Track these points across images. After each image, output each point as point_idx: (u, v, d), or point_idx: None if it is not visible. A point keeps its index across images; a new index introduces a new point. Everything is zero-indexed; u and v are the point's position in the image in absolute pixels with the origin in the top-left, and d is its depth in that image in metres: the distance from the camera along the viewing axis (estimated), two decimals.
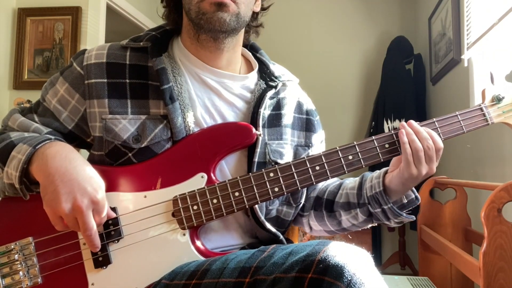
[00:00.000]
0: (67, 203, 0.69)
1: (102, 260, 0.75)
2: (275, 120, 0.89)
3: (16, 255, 0.75)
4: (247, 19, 0.85)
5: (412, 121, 0.81)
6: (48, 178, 0.71)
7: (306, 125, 0.96)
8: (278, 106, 0.91)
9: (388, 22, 3.29)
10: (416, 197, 0.87)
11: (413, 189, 0.86)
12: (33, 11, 2.58)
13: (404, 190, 0.83)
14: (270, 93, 0.88)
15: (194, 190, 0.77)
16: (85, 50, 0.86)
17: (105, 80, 0.81)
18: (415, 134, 0.79)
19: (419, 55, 3.00)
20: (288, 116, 0.92)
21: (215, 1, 0.78)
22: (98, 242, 0.72)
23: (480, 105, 0.86)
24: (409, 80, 2.92)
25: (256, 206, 0.82)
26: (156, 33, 0.87)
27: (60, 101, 0.84)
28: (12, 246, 0.76)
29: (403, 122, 0.81)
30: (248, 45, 0.97)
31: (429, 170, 0.79)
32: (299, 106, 0.96)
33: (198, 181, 0.78)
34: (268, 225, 0.84)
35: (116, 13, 2.89)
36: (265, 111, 0.88)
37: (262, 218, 0.83)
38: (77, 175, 0.72)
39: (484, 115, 0.85)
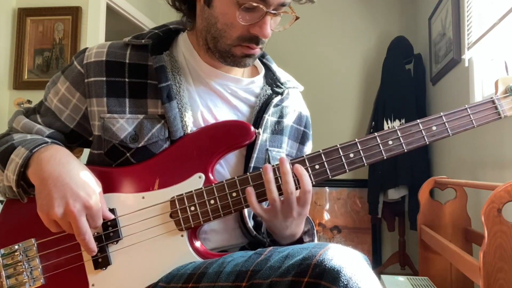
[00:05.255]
0: (59, 207, 0.69)
1: (101, 262, 0.75)
2: (277, 127, 0.89)
3: (20, 256, 0.76)
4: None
5: (268, 167, 0.75)
6: (42, 183, 0.71)
7: (301, 138, 0.96)
8: (281, 114, 0.90)
9: (388, 22, 3.29)
10: (312, 226, 0.87)
11: (307, 218, 0.86)
12: (33, 11, 2.58)
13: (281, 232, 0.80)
14: (276, 99, 0.88)
15: (191, 191, 0.77)
16: (86, 48, 0.86)
17: (104, 79, 0.81)
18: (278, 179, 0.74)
19: (419, 55, 3.00)
20: (288, 125, 0.92)
21: (247, 53, 0.80)
22: (93, 246, 0.72)
23: (492, 97, 0.80)
24: (409, 80, 2.91)
25: (245, 213, 0.82)
26: (159, 31, 0.86)
27: (61, 100, 0.84)
28: (16, 247, 0.76)
29: (267, 166, 0.75)
30: None
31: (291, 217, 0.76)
32: (299, 117, 0.96)
33: (196, 182, 0.78)
34: (254, 232, 0.84)
35: (116, 13, 2.89)
36: (270, 117, 0.87)
37: (249, 225, 0.83)
38: (70, 179, 0.71)
39: (496, 107, 0.80)
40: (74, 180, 0.71)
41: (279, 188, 0.74)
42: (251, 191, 0.74)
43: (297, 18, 0.80)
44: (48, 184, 0.70)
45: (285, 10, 0.78)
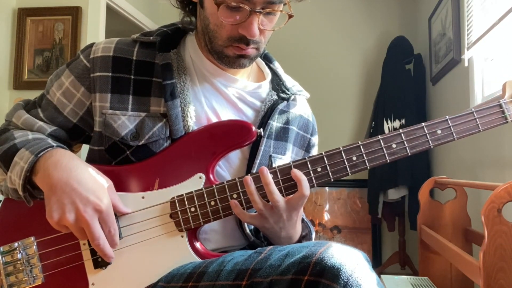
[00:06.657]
0: (70, 213, 0.68)
1: (101, 261, 0.74)
2: (282, 133, 0.89)
3: (19, 255, 0.75)
4: (263, 49, 0.85)
5: (253, 175, 0.75)
6: (51, 189, 0.70)
7: (307, 145, 0.96)
8: (287, 121, 0.90)
9: (388, 22, 3.29)
10: (310, 231, 0.88)
11: (306, 223, 0.87)
12: (33, 11, 2.58)
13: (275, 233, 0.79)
14: (282, 105, 0.87)
15: (191, 192, 0.76)
16: (93, 43, 0.85)
17: (110, 74, 0.80)
18: (264, 186, 0.73)
19: (419, 55, 3.00)
20: (294, 132, 0.92)
21: (239, 53, 0.79)
22: (109, 251, 0.71)
23: (499, 101, 0.78)
24: (409, 80, 2.92)
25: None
26: (167, 29, 0.86)
27: (65, 94, 0.83)
28: (16, 245, 0.76)
29: (247, 178, 0.74)
30: (262, 54, 0.96)
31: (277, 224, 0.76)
32: (306, 124, 0.95)
33: (196, 182, 0.77)
34: (252, 238, 0.84)
35: (116, 13, 2.89)
36: (275, 123, 0.87)
37: (247, 230, 0.83)
38: (79, 184, 0.70)
39: (503, 112, 0.78)
40: (83, 184, 0.70)
41: (265, 195, 0.74)
42: (235, 204, 0.74)
43: (290, 16, 0.78)
44: (57, 190, 0.69)
45: (276, 9, 0.75)
